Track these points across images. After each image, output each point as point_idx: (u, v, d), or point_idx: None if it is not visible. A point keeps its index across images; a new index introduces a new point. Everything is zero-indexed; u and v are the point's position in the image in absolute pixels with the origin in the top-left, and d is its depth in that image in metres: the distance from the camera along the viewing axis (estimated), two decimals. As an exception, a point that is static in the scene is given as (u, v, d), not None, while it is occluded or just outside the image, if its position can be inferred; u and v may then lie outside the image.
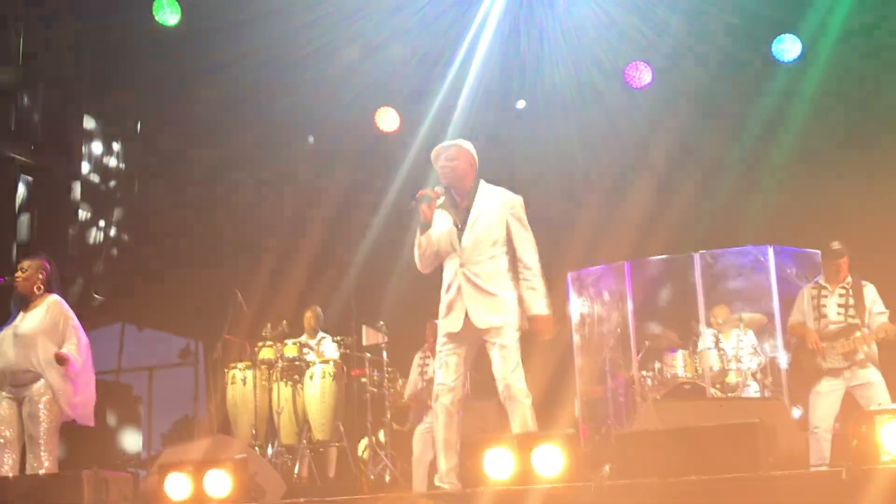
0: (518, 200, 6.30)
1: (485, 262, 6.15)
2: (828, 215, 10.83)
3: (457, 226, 6.24)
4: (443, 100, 12.21)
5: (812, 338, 7.88)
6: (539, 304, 6.14)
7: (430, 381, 9.59)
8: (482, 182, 6.37)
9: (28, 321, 7.22)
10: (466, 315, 6.10)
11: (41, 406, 7.07)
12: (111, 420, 10.72)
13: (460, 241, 6.19)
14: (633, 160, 12.13)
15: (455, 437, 6.14)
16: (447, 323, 6.19)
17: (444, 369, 6.19)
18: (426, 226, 6.24)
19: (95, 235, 11.83)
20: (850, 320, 7.86)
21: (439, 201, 6.34)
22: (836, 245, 8.05)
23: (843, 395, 7.86)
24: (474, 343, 6.23)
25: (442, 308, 6.24)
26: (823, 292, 8.05)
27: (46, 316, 7.21)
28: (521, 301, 6.16)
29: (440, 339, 6.25)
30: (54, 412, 7.12)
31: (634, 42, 11.65)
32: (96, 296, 11.33)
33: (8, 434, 7.10)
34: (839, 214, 10.61)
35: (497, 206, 6.24)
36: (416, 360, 10.15)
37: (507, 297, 6.13)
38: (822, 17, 11.04)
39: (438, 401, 6.17)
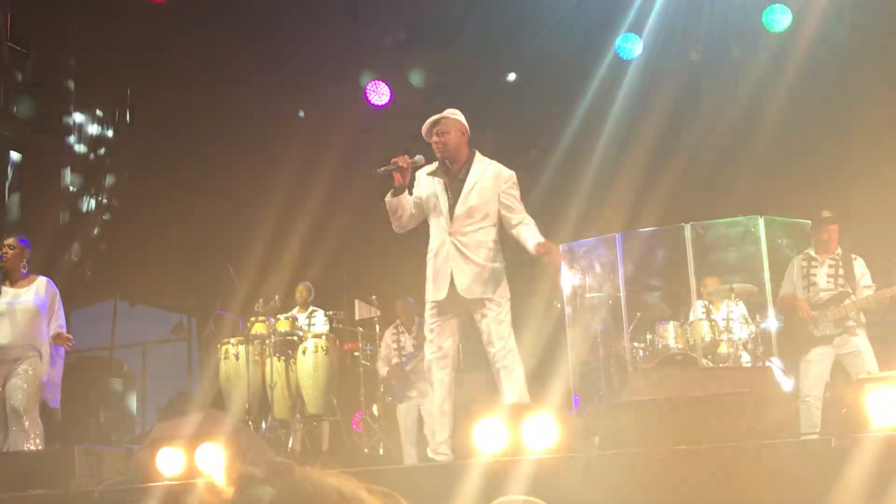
0: (512, 175, 6.33)
1: (473, 232, 6.16)
2: (819, 186, 10.83)
3: (448, 193, 6.23)
4: (433, 73, 12.17)
5: (802, 306, 7.91)
6: (535, 234, 6.15)
7: (408, 356, 9.66)
8: (477, 153, 6.37)
9: (21, 298, 7.25)
10: (452, 284, 6.10)
11: (28, 381, 7.10)
12: (104, 396, 10.73)
13: (452, 209, 6.19)
14: (624, 132, 12.10)
15: (451, 407, 6.16)
16: (433, 291, 6.20)
17: (436, 340, 6.18)
18: (399, 189, 6.26)
19: (87, 209, 11.83)
20: (840, 289, 7.91)
21: (430, 167, 6.32)
22: (826, 213, 8.09)
23: (833, 364, 7.92)
24: (462, 311, 6.24)
25: (428, 274, 6.26)
26: (813, 263, 8.09)
27: (44, 295, 7.28)
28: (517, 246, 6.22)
29: (428, 310, 6.25)
30: (36, 387, 7.17)
31: (624, 13, 11.61)
32: (85, 272, 11.33)
33: None
34: (830, 185, 10.62)
35: (492, 180, 6.25)
36: (388, 336, 10.18)
37: (494, 268, 6.15)
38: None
39: (433, 374, 6.16)
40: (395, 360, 9.91)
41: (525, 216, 6.27)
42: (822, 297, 7.91)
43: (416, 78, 12.33)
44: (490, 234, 6.21)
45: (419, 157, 6.28)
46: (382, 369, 10.16)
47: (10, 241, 7.47)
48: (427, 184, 6.31)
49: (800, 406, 7.76)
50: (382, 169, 6.21)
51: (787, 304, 8.21)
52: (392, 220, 6.37)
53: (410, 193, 6.40)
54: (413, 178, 6.36)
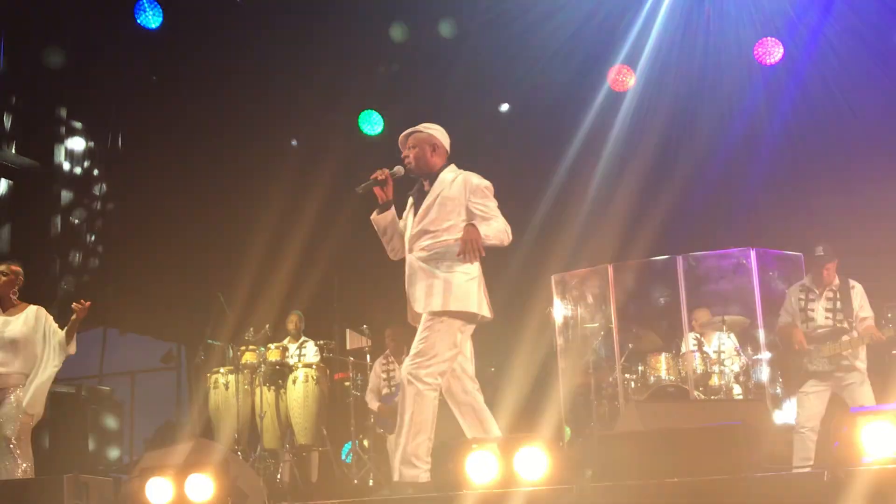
0: (482, 185, 5.79)
1: (434, 245, 5.75)
2: (810, 218, 10.85)
3: (415, 209, 5.92)
4: (425, 103, 12.18)
5: (798, 338, 7.86)
6: (485, 227, 5.59)
7: (397, 387, 9.58)
8: (451, 166, 5.95)
9: (10, 326, 7.20)
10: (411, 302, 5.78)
11: (17, 409, 7.05)
12: (93, 424, 10.66)
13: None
14: (617, 163, 12.13)
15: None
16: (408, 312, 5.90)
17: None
18: (384, 206, 5.94)
19: (76, 236, 11.80)
20: (837, 324, 7.84)
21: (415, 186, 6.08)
22: (819, 251, 7.91)
23: (830, 396, 7.88)
24: None
25: None
26: (811, 295, 8.00)
27: (36, 324, 7.25)
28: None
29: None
30: (27, 416, 7.13)
31: (617, 45, 11.66)
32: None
33: None
34: (822, 217, 10.64)
35: (456, 193, 5.77)
36: (377, 366, 10.09)
37: (451, 279, 5.66)
38: (805, 21, 11.11)
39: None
40: (385, 391, 9.84)
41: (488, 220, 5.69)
42: (819, 333, 7.86)
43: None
44: (453, 249, 5.66)
45: (398, 168, 5.96)
46: (372, 402, 10.07)
47: (2, 267, 7.41)
48: (408, 203, 6.09)
49: (794, 438, 7.73)
50: (362, 186, 5.91)
51: (784, 335, 8.15)
52: (384, 245, 6.02)
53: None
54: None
